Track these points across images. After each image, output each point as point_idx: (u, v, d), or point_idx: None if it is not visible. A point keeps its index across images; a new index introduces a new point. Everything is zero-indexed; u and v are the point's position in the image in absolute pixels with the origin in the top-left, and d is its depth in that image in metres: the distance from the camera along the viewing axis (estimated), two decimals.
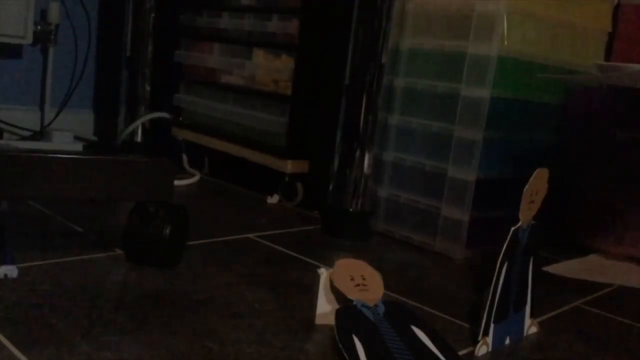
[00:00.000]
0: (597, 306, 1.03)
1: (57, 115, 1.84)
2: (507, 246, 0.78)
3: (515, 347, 0.82)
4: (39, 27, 1.74)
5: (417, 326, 0.77)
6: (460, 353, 0.77)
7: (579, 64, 1.33)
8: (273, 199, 1.47)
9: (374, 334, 0.73)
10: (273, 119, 1.46)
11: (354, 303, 0.78)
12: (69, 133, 1.66)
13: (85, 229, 1.09)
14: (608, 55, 1.43)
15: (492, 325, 0.79)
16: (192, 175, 1.60)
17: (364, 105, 1.23)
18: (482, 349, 0.78)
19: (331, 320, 0.76)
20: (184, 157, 1.71)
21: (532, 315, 0.87)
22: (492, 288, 0.77)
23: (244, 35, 1.55)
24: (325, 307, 0.81)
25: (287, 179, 1.45)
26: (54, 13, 1.76)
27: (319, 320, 0.81)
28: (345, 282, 0.80)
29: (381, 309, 0.78)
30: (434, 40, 1.21)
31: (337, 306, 0.80)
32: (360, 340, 0.71)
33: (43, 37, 1.77)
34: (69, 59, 1.86)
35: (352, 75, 1.24)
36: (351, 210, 1.26)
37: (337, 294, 0.80)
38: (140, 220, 0.92)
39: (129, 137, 1.73)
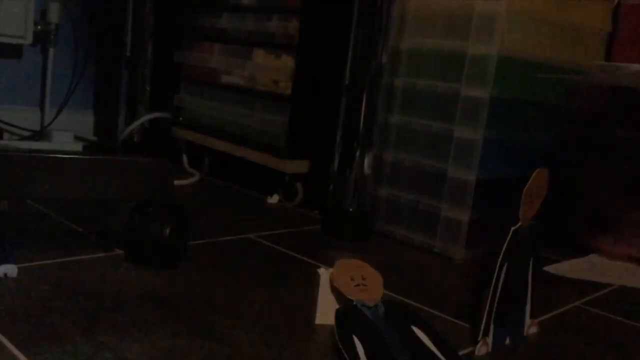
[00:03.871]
0: (597, 306, 1.03)
1: (57, 115, 1.84)
2: (507, 246, 0.78)
3: (515, 347, 0.82)
4: (39, 27, 1.74)
5: (417, 326, 0.77)
6: (460, 353, 0.77)
7: (579, 64, 1.33)
8: (273, 199, 1.47)
9: (374, 334, 0.73)
10: (273, 119, 1.46)
11: (354, 303, 0.78)
12: (69, 133, 1.66)
13: (85, 229, 1.09)
14: (608, 55, 1.43)
15: (492, 325, 0.79)
16: (192, 175, 1.60)
17: (364, 105, 1.23)
18: (482, 349, 0.78)
19: (331, 320, 0.76)
20: (184, 157, 1.71)
21: (532, 315, 0.87)
22: (492, 288, 0.77)
23: (244, 35, 1.55)
24: (325, 307, 0.81)
25: (287, 179, 1.45)
26: (54, 13, 1.76)
27: (319, 320, 0.81)
28: (345, 282, 0.80)
29: (381, 309, 0.78)
30: (434, 40, 1.21)
31: (337, 306, 0.80)
32: (360, 340, 0.71)
33: (43, 37, 1.77)
34: (69, 59, 1.86)
35: (352, 75, 1.24)
36: (351, 210, 1.26)
37: (337, 294, 0.80)
38: (141, 221, 0.92)
39: (129, 137, 1.73)
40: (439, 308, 0.92)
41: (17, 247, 0.93)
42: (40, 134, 1.76)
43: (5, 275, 0.82)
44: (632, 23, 1.43)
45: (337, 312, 0.76)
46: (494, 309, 0.78)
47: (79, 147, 1.63)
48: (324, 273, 0.81)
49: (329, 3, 1.40)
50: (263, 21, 1.48)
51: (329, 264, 0.84)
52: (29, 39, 1.67)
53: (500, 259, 0.77)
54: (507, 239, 0.77)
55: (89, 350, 0.66)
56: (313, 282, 0.82)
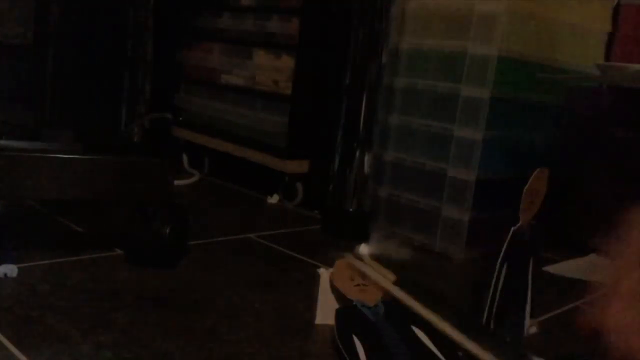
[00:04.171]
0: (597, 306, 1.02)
1: (57, 115, 1.84)
2: (507, 246, 0.77)
3: (515, 347, 0.82)
4: (39, 27, 1.74)
5: (417, 326, 0.77)
6: (460, 353, 0.77)
7: (579, 64, 1.33)
8: (273, 199, 1.47)
9: (374, 334, 0.73)
10: (273, 119, 1.46)
11: (354, 303, 0.78)
12: (69, 133, 1.65)
13: (85, 229, 1.09)
14: (608, 55, 1.43)
15: (492, 325, 0.78)
16: (192, 175, 1.60)
17: (364, 105, 1.23)
18: None
19: (331, 320, 0.76)
20: (184, 157, 1.71)
21: (532, 316, 0.87)
22: (492, 288, 0.77)
23: (244, 35, 1.55)
24: (325, 307, 0.81)
25: (287, 179, 1.45)
26: (54, 13, 1.76)
27: (319, 320, 0.81)
28: (345, 282, 0.80)
29: (381, 309, 0.78)
30: (434, 40, 1.21)
31: (337, 306, 0.80)
32: (360, 340, 0.71)
33: (43, 37, 1.77)
34: (69, 59, 1.86)
35: (352, 75, 1.24)
36: (351, 210, 1.26)
37: (337, 294, 0.80)
38: (141, 220, 0.92)
39: (128, 137, 1.73)
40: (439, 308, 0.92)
41: (17, 247, 0.93)
42: (40, 134, 1.76)
43: (5, 275, 0.82)
44: (632, 23, 1.42)
45: (337, 312, 0.76)
46: (494, 309, 0.78)
47: (79, 147, 1.63)
48: (324, 273, 0.81)
49: (329, 3, 1.40)
50: (263, 21, 1.48)
51: (329, 264, 0.84)
52: (29, 39, 1.67)
53: (500, 259, 0.77)
54: (507, 239, 0.77)
55: (89, 350, 0.66)
56: (313, 282, 0.82)
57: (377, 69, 1.22)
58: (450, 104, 1.18)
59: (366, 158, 1.25)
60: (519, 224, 0.79)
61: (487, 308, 0.77)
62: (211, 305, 0.82)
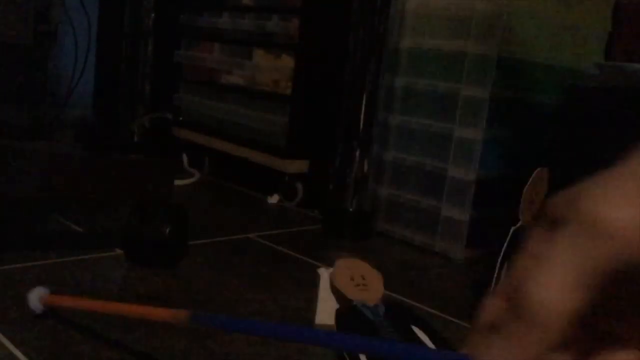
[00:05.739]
0: None
1: (57, 115, 1.84)
2: (507, 246, 0.78)
3: None
4: (39, 27, 1.74)
5: (417, 326, 0.77)
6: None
7: (579, 64, 1.33)
8: (273, 199, 1.47)
9: (374, 334, 0.73)
10: (273, 119, 1.46)
11: (354, 303, 0.78)
12: (69, 133, 1.66)
13: (85, 229, 1.09)
14: (608, 55, 1.43)
15: None
16: (192, 175, 1.60)
17: (364, 105, 1.23)
18: None
19: (331, 320, 0.76)
20: (184, 157, 1.71)
21: None
22: (492, 288, 0.77)
23: (244, 35, 1.55)
24: (325, 307, 0.81)
25: (287, 179, 1.45)
26: (54, 13, 1.76)
27: (319, 320, 0.81)
28: (345, 282, 0.80)
29: (381, 309, 0.78)
30: (434, 40, 1.21)
31: (337, 306, 0.80)
32: None
33: (43, 37, 1.77)
34: (69, 59, 1.86)
35: (352, 75, 1.24)
36: (351, 210, 1.26)
37: (337, 294, 0.80)
38: (140, 220, 0.92)
39: (128, 137, 1.73)
40: (439, 308, 0.92)
41: (17, 247, 0.93)
42: (40, 134, 1.76)
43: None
44: (632, 23, 1.42)
45: (337, 312, 0.76)
46: None
47: (79, 147, 1.63)
48: (324, 273, 0.81)
49: (329, 3, 1.40)
50: (263, 21, 1.48)
51: (329, 264, 0.84)
52: (29, 39, 1.67)
53: (500, 259, 0.77)
54: (507, 239, 0.77)
55: (89, 350, 0.66)
56: (313, 282, 0.82)
57: (377, 68, 1.22)
58: (450, 104, 1.18)
59: (366, 158, 1.25)
60: (519, 224, 0.79)
61: None
62: (211, 305, 0.82)
